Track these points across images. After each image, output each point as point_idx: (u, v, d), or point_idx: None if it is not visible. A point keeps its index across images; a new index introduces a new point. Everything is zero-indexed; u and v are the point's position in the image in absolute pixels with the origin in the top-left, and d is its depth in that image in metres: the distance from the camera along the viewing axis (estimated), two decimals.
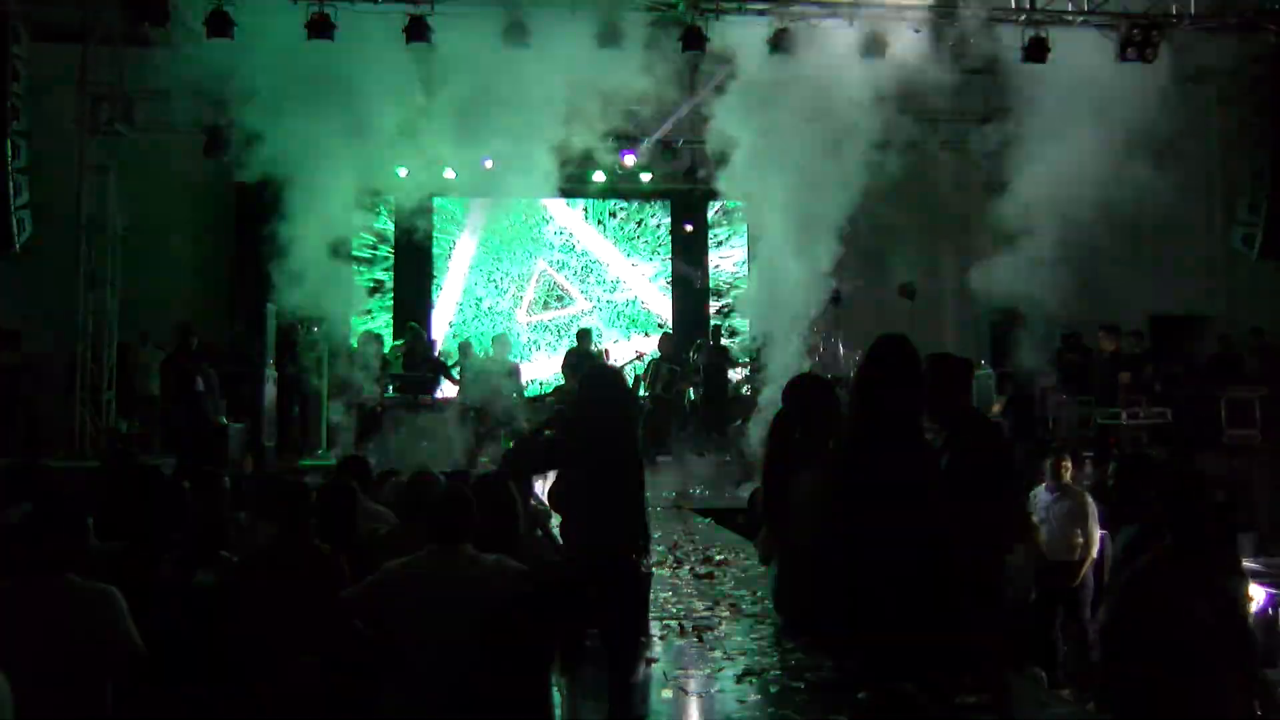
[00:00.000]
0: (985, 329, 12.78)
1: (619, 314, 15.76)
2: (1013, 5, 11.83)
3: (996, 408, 11.41)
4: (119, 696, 3.55)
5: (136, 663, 3.49)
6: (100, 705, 3.45)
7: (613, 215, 15.88)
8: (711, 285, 15.96)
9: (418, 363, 12.61)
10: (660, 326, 15.29)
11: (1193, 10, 11.65)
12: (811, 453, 3.94)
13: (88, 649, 3.38)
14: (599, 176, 14.09)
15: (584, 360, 11.14)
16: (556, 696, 3.11)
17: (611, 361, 12.61)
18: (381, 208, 15.12)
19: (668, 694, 3.10)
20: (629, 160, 13.64)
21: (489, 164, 13.43)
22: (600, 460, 3.84)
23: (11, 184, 9.85)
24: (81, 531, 3.57)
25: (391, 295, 15.27)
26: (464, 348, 13.50)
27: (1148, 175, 14.03)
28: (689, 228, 15.65)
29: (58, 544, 3.47)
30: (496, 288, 15.58)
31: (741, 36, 11.04)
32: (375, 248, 15.30)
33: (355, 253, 15.09)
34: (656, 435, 11.45)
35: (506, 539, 4.11)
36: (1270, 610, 6.85)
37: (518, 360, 13.46)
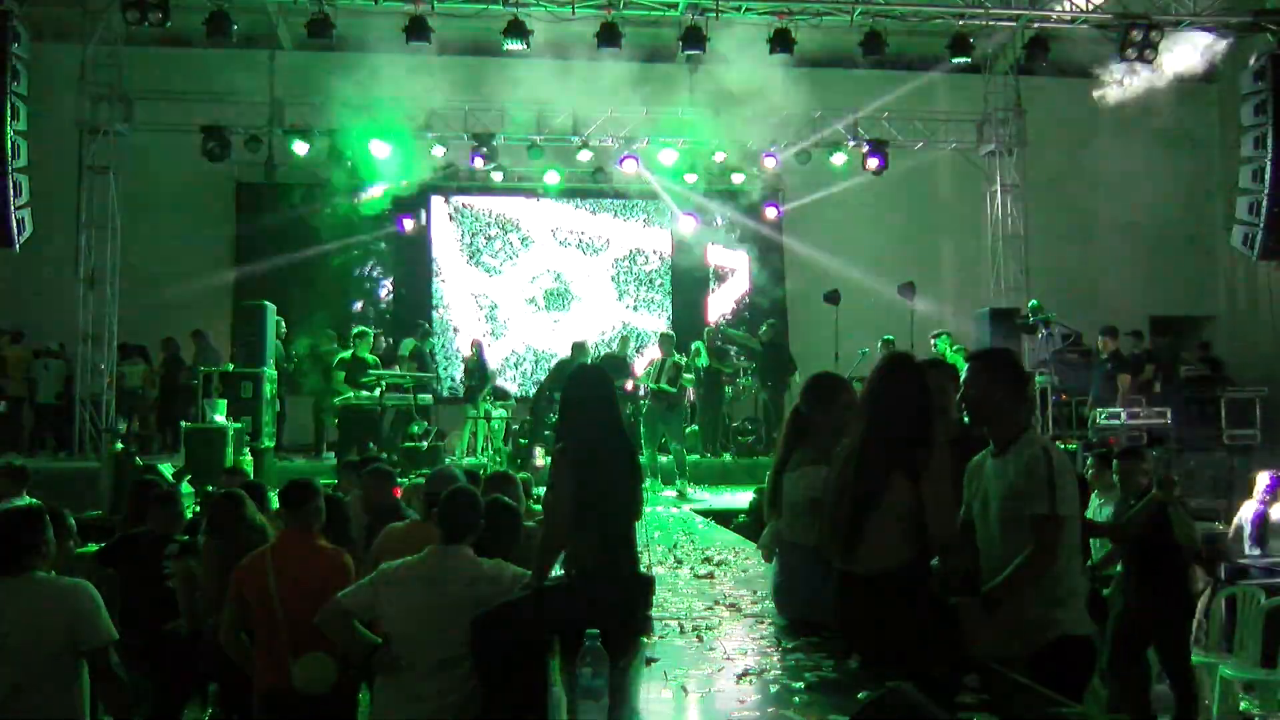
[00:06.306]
0: (985, 329, 12.76)
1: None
2: (1013, 6, 11.85)
3: None
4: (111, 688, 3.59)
5: (108, 653, 3.54)
6: (70, 696, 3.50)
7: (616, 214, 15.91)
8: (710, 286, 15.98)
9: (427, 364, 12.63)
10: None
11: (1193, 10, 11.64)
12: (818, 449, 3.90)
13: (57, 642, 3.44)
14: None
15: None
16: (556, 696, 3.11)
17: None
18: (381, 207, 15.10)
19: (668, 694, 3.09)
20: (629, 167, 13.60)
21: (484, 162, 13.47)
22: (587, 458, 3.81)
23: (11, 184, 9.83)
24: (41, 531, 3.59)
25: (392, 295, 15.26)
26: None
27: (1148, 176, 14.03)
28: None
29: (21, 544, 3.51)
30: (497, 287, 15.58)
31: None
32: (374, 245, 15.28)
33: (355, 252, 15.12)
34: (654, 431, 11.23)
35: (508, 534, 4.14)
36: None
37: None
